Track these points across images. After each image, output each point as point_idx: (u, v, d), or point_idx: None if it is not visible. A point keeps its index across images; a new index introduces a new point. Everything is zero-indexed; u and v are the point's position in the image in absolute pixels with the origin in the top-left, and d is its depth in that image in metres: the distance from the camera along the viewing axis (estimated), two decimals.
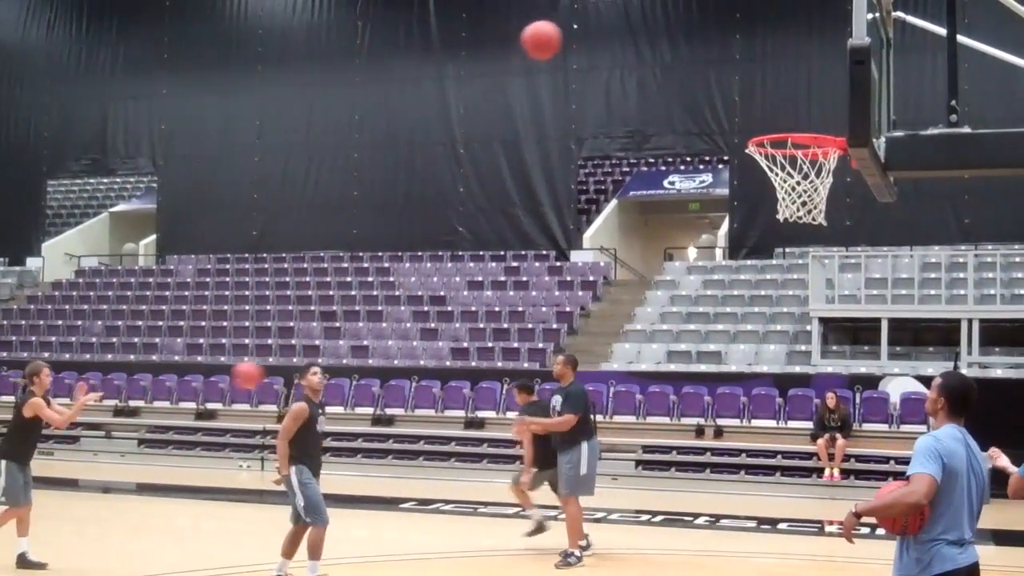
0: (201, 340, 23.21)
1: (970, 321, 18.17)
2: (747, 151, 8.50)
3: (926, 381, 17.41)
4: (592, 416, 11.70)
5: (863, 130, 6.71)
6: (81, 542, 12.65)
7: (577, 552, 11.05)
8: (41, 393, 10.33)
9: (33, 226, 29.78)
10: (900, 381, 17.70)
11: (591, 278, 23.66)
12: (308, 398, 9.64)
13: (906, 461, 16.07)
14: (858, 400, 17.67)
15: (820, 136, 8.01)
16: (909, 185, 14.14)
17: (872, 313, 19.13)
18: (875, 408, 17.52)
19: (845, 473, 16.68)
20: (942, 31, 7.85)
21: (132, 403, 21.35)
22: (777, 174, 8.36)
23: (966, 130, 7.29)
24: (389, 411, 19.79)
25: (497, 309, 22.60)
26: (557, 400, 11.25)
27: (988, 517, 15.25)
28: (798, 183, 8.26)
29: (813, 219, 8.37)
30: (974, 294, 18.83)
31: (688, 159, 28.76)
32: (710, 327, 20.67)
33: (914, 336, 19.56)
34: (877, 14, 7.16)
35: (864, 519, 5.48)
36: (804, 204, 8.31)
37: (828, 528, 14.43)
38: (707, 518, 14.56)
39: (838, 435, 16.61)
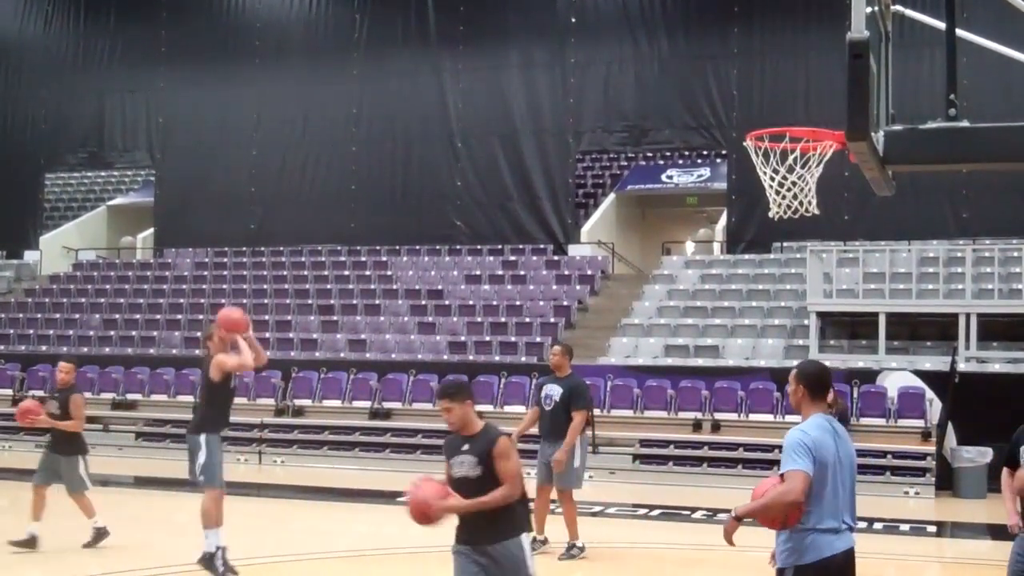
0: (199, 333, 23.13)
1: (968, 316, 18.19)
2: (745, 145, 8.49)
3: (924, 376, 17.49)
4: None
5: (862, 124, 6.70)
6: (79, 535, 12.65)
7: (579, 543, 11.08)
8: (221, 349, 9.95)
9: (31, 219, 29.76)
10: (898, 375, 17.71)
11: (589, 272, 23.66)
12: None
13: (904, 455, 16.19)
14: (856, 394, 17.67)
15: (818, 130, 8.01)
16: (907, 179, 14.12)
17: (870, 308, 19.14)
18: (873, 402, 17.52)
19: None
20: (941, 25, 7.84)
21: (130, 396, 21.35)
22: (766, 172, 8.34)
23: (965, 124, 7.28)
24: (387, 405, 19.79)
25: (495, 303, 22.60)
26: (555, 391, 11.06)
27: (983, 511, 15.30)
28: (784, 178, 8.24)
29: (806, 211, 8.36)
30: (972, 289, 18.84)
31: (686, 153, 28.73)
32: (708, 321, 20.67)
33: (912, 331, 19.57)
34: (876, 8, 7.15)
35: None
36: (795, 197, 8.29)
37: None
38: (705, 512, 14.57)
39: None
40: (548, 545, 11.13)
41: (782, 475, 5.40)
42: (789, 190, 8.28)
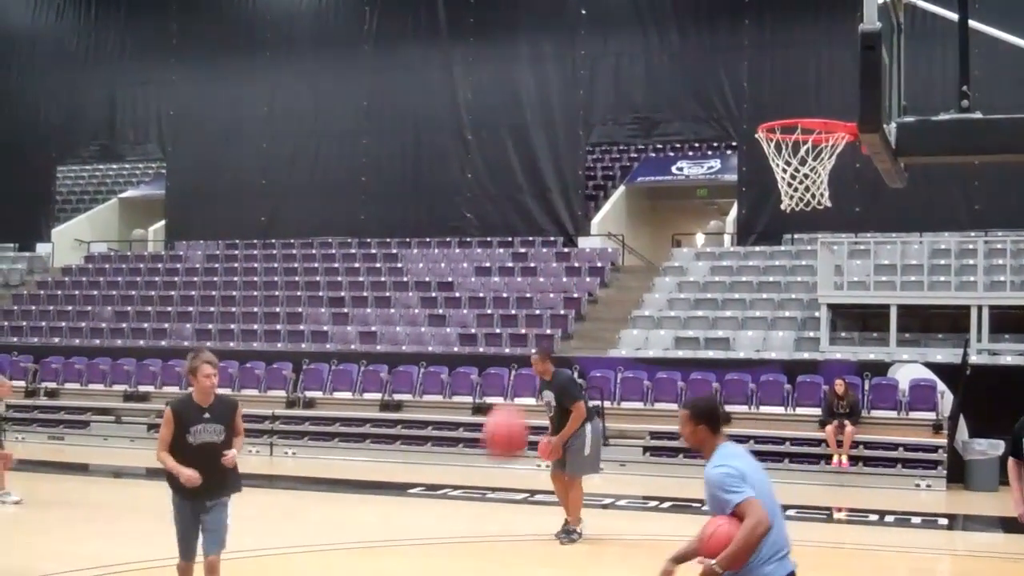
0: (210, 325, 23.25)
1: (980, 308, 18.14)
2: (757, 136, 8.47)
3: (935, 368, 17.46)
4: (588, 400, 11.89)
5: (874, 116, 6.69)
6: (92, 526, 12.70)
7: (579, 528, 11.17)
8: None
9: (43, 212, 29.87)
10: (909, 368, 17.68)
11: (599, 264, 23.64)
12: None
13: (916, 448, 16.15)
14: (867, 387, 17.65)
15: (831, 122, 7.98)
16: (919, 171, 14.05)
17: (881, 300, 19.10)
18: (884, 395, 17.50)
19: (854, 460, 16.68)
20: (953, 16, 7.82)
21: (142, 388, 21.41)
22: (778, 164, 8.33)
23: (977, 116, 7.27)
24: (397, 397, 19.81)
25: (505, 295, 22.60)
26: (549, 396, 11.37)
27: (995, 504, 15.28)
28: (796, 171, 8.22)
29: (818, 203, 8.34)
30: (984, 281, 18.78)
31: (696, 145, 28.67)
32: (718, 313, 20.65)
33: (923, 323, 19.52)
34: None
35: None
36: (807, 189, 8.27)
37: (836, 515, 14.45)
38: None
39: (847, 422, 16.60)
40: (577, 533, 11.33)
41: (732, 513, 5.19)
42: (801, 182, 8.25)
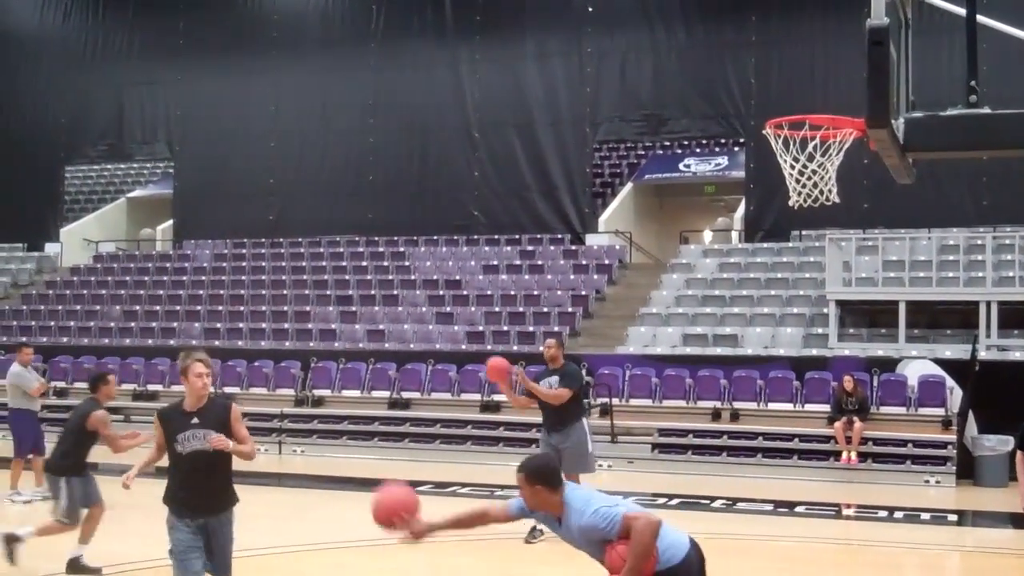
0: (218, 324, 23.28)
1: (988, 304, 18.10)
2: (765, 132, 8.45)
3: (944, 364, 17.42)
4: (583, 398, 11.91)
5: (882, 111, 6.67)
6: (103, 526, 12.71)
7: None
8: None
9: (51, 212, 29.94)
10: (918, 364, 17.65)
11: (606, 261, 23.63)
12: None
13: (925, 444, 16.10)
14: (875, 383, 17.62)
15: (838, 117, 7.96)
16: (927, 167, 14.05)
17: (890, 296, 19.06)
18: (893, 391, 17.47)
19: (862, 456, 16.65)
20: (961, 11, 7.79)
21: (150, 387, 21.43)
22: (786, 160, 8.31)
23: (986, 111, 7.25)
24: (405, 395, 19.83)
25: (512, 293, 22.60)
26: (553, 380, 11.33)
27: (1004, 500, 15.23)
28: (804, 167, 8.20)
29: (826, 200, 8.32)
30: (992, 276, 18.74)
31: (704, 142, 28.64)
32: (726, 310, 20.62)
33: (932, 319, 19.48)
34: None
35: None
36: (815, 186, 8.25)
37: (845, 511, 14.43)
38: (724, 501, 14.55)
39: (855, 418, 16.57)
40: (545, 534, 11.23)
41: (616, 539, 5.21)
42: (809, 179, 8.24)
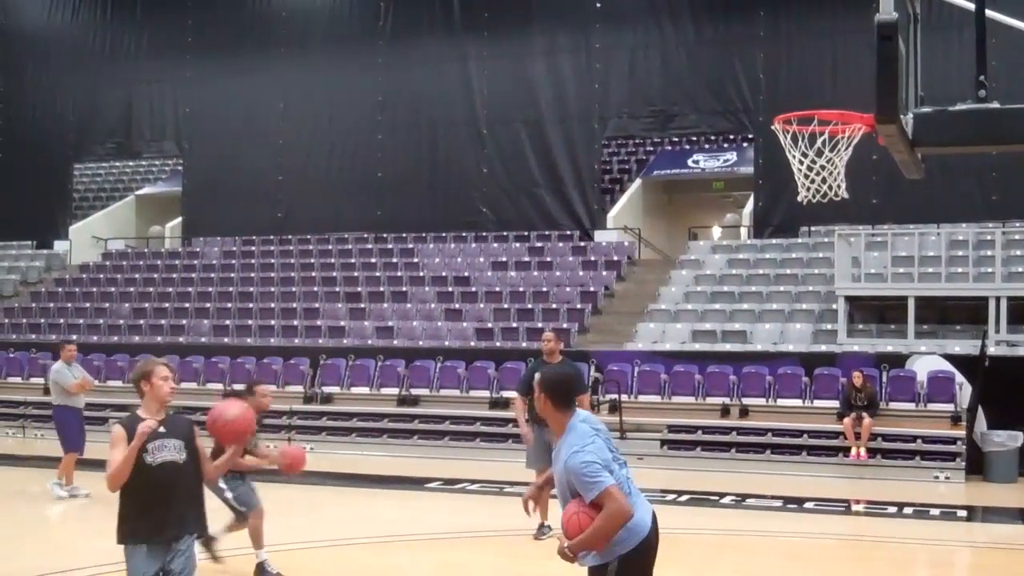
0: (227, 322, 23.32)
1: (998, 299, 18.06)
2: (773, 128, 8.44)
3: (953, 360, 17.39)
4: None
5: (891, 106, 6.66)
6: (109, 523, 12.76)
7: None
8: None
9: (60, 209, 30.00)
10: (927, 360, 17.62)
11: (615, 258, 23.62)
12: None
13: (934, 440, 16.09)
14: (885, 379, 17.60)
15: (847, 112, 7.94)
16: (936, 162, 14.01)
17: (899, 291, 19.03)
18: (902, 387, 17.44)
19: (872, 452, 16.63)
20: (970, 6, 7.77)
21: None
22: (795, 155, 8.30)
23: (995, 105, 7.22)
24: (414, 391, 19.84)
25: (521, 289, 22.61)
26: None
27: (1014, 495, 15.21)
28: (813, 162, 8.18)
29: (835, 195, 8.30)
30: (1002, 272, 18.70)
31: (712, 138, 28.63)
32: (735, 306, 20.61)
33: (941, 314, 19.44)
34: None
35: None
36: (824, 181, 8.23)
37: (854, 507, 14.41)
38: (733, 497, 14.55)
39: (864, 414, 16.55)
40: (554, 531, 11.17)
41: (593, 503, 5.06)
42: (818, 174, 8.22)
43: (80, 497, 13.93)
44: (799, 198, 8.45)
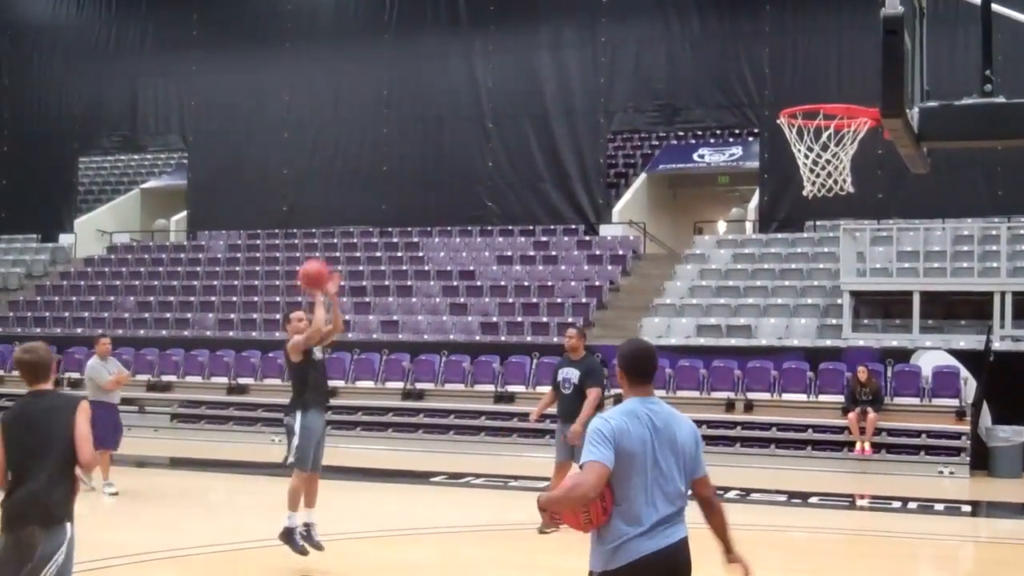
0: (232, 315, 23.34)
1: (1003, 294, 18.05)
2: (779, 122, 8.43)
3: (958, 354, 17.38)
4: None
5: (896, 100, 6.65)
6: (116, 516, 12.78)
7: None
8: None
9: (65, 203, 30.03)
10: (932, 355, 17.62)
11: (620, 252, 23.61)
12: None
13: (939, 435, 16.11)
14: (889, 374, 17.60)
15: (853, 107, 7.93)
16: (942, 157, 14.01)
17: (904, 286, 19.01)
18: (907, 382, 17.44)
19: (876, 447, 16.64)
20: (976, 0, 7.75)
21: (164, 378, 21.51)
22: (800, 150, 8.29)
23: (1001, 100, 7.21)
24: (419, 385, 19.86)
25: (526, 284, 22.61)
26: (572, 374, 11.32)
27: (1018, 490, 15.18)
28: (819, 156, 8.17)
29: (841, 189, 8.29)
30: (1007, 267, 18.68)
31: (718, 132, 28.61)
32: (740, 301, 20.60)
33: (946, 309, 19.43)
34: None
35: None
36: (829, 175, 8.22)
37: (859, 502, 14.41)
38: (738, 492, 14.55)
39: (869, 409, 16.55)
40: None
41: (581, 466, 4.82)
42: (823, 168, 8.21)
43: (112, 493, 13.93)
44: (804, 192, 8.44)
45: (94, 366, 14.19)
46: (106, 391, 13.98)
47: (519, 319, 21.19)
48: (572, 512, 4.79)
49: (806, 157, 8.25)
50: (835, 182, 8.25)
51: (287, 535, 9.33)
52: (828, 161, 8.15)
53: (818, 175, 8.25)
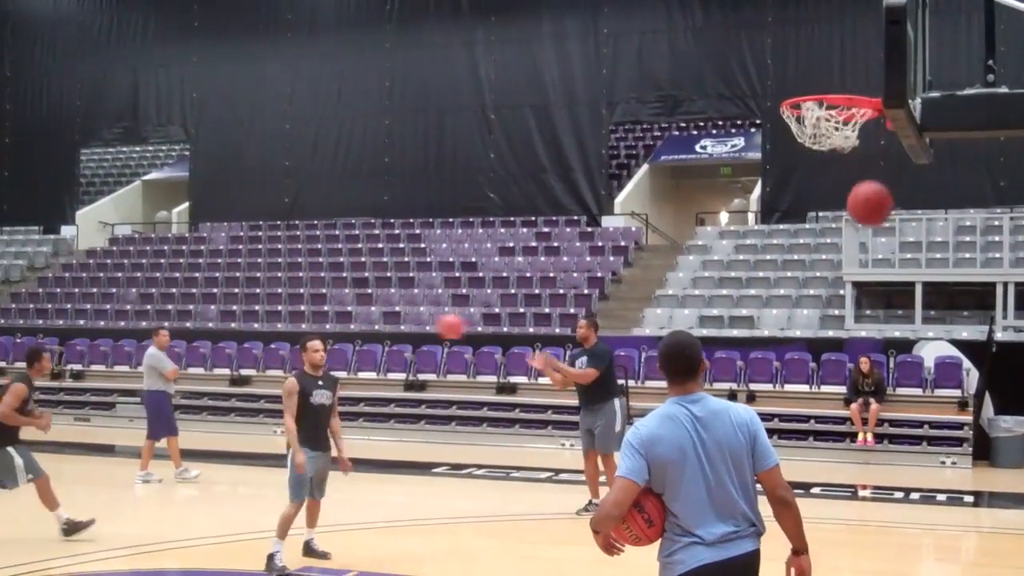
0: (234, 307, 23.34)
1: (1005, 284, 18.03)
2: (782, 112, 8.41)
3: (961, 345, 17.37)
4: (617, 378, 12.11)
5: (899, 91, 6.64)
6: (117, 506, 12.81)
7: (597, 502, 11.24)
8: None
9: (67, 195, 30.00)
10: (934, 345, 17.60)
11: (622, 243, 23.60)
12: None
13: (941, 425, 16.12)
14: (892, 364, 17.58)
15: (855, 97, 7.92)
16: (944, 147, 13.98)
17: (906, 277, 19.00)
18: (909, 372, 17.43)
19: (879, 438, 16.63)
20: None
21: None
22: (806, 133, 8.22)
23: (1003, 90, 7.21)
24: (421, 377, 19.86)
25: (528, 275, 22.60)
26: (583, 361, 11.62)
27: (1021, 480, 15.18)
28: (827, 119, 8.10)
29: (843, 149, 8.19)
30: (1009, 257, 18.66)
31: (720, 123, 28.59)
32: (742, 292, 20.59)
33: (948, 300, 19.42)
34: None
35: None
36: (837, 130, 8.11)
37: (861, 493, 14.41)
38: None
39: (872, 400, 16.54)
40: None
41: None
42: (828, 124, 8.13)
43: (152, 483, 14.02)
44: (807, 143, 8.28)
45: (157, 355, 14.36)
46: (166, 380, 14.12)
47: (521, 310, 21.18)
48: (616, 530, 4.63)
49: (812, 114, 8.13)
50: (845, 137, 8.10)
51: (268, 559, 9.32)
52: (828, 120, 8.06)
53: (822, 133, 8.15)
